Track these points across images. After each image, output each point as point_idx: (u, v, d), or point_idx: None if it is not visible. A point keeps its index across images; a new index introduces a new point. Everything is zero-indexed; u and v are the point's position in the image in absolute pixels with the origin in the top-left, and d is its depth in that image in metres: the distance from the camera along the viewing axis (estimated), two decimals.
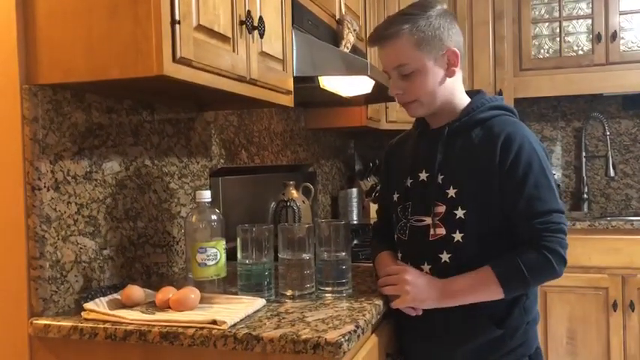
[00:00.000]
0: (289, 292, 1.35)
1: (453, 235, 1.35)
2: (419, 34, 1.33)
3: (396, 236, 1.48)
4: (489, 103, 1.40)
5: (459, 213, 1.34)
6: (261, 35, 1.45)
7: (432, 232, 1.37)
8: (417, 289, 1.33)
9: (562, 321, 2.82)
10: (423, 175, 1.41)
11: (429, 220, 1.38)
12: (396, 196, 1.48)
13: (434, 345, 1.41)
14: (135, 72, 1.11)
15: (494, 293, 1.30)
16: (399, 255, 1.48)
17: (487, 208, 1.33)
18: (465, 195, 1.34)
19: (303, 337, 1.05)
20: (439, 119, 1.42)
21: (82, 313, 1.20)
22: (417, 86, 1.36)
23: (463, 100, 1.42)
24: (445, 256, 1.36)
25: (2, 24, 1.20)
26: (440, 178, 1.37)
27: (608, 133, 3.27)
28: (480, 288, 1.31)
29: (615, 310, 2.74)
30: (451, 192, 1.35)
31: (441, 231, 1.36)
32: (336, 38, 2.15)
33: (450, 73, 1.38)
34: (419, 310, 1.36)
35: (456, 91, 1.41)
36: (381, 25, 1.39)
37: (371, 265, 1.60)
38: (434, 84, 1.37)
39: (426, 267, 1.39)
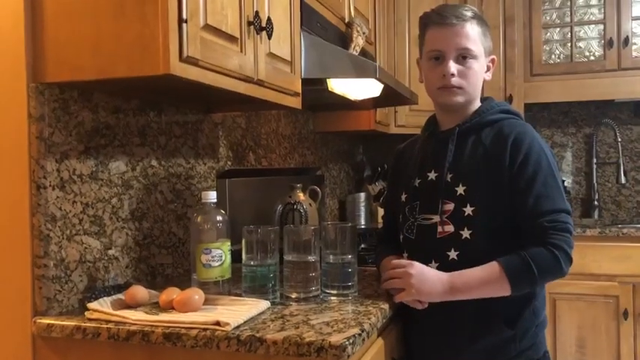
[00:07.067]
0: (294, 295, 1.34)
1: (461, 232, 1.36)
2: (484, 27, 1.44)
3: (402, 237, 1.48)
4: (499, 107, 1.46)
5: (468, 210, 1.35)
6: (269, 36, 1.45)
7: (439, 229, 1.38)
8: (422, 283, 1.33)
9: (571, 329, 2.78)
10: (432, 175, 1.44)
11: (436, 218, 1.39)
12: (404, 197, 1.49)
13: (442, 345, 1.40)
14: (141, 70, 1.11)
15: (501, 289, 1.30)
16: (406, 255, 1.46)
17: (496, 205, 1.35)
18: (474, 192, 1.36)
19: (307, 339, 1.04)
20: (452, 119, 1.46)
21: (86, 313, 1.20)
22: (472, 73, 1.41)
23: (477, 103, 1.47)
24: (453, 254, 1.36)
25: (10, 22, 1.20)
26: (449, 176, 1.39)
27: (619, 140, 3.24)
28: (487, 283, 1.31)
29: (626, 319, 2.70)
30: (460, 189, 1.37)
31: (449, 228, 1.37)
32: (345, 41, 2.14)
33: (486, 75, 1.47)
34: (425, 304, 1.35)
35: (479, 94, 1.46)
36: (450, 7, 1.44)
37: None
38: (480, 77, 1.44)
39: (434, 265, 1.38)
